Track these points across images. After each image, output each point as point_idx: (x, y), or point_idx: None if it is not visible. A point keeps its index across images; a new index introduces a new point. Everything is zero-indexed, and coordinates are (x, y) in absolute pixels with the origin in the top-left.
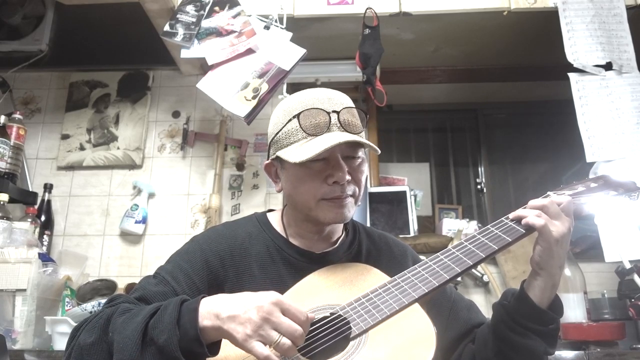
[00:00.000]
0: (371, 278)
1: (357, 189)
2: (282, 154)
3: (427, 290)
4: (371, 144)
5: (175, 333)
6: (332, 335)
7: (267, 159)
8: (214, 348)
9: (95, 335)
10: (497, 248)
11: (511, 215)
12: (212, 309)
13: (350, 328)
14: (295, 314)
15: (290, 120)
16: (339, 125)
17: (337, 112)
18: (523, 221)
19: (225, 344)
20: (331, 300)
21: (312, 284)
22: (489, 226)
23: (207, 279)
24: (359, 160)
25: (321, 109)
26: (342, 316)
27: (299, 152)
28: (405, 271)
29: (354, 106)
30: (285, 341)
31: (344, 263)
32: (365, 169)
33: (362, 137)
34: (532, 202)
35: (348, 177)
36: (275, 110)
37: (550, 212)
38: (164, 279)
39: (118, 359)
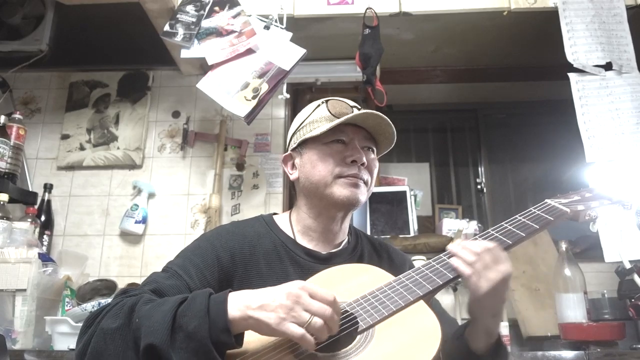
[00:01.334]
0: (376, 277)
1: (370, 178)
2: (308, 134)
3: (431, 288)
4: (389, 121)
5: (205, 321)
6: (339, 329)
7: (287, 151)
8: (239, 339)
9: (120, 321)
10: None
11: (450, 248)
12: (241, 301)
13: (357, 323)
14: (324, 296)
15: (317, 107)
16: (361, 116)
17: (358, 108)
18: (453, 264)
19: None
20: (338, 297)
21: (320, 282)
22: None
23: (217, 274)
24: (373, 155)
25: (344, 102)
26: (348, 311)
27: (324, 128)
28: (409, 271)
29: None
30: (317, 320)
31: (350, 264)
32: (377, 165)
33: (387, 119)
34: (471, 244)
35: (364, 160)
36: (299, 113)
37: (484, 261)
38: (176, 272)
39: (147, 342)
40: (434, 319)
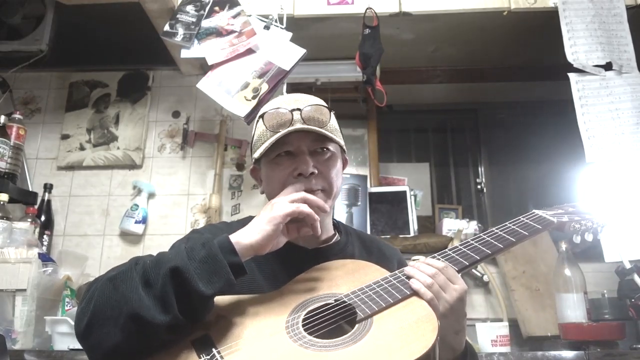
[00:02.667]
0: (372, 272)
1: (327, 184)
2: (255, 155)
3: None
4: (328, 133)
5: (213, 245)
6: (338, 318)
7: (252, 164)
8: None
9: (125, 267)
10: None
11: (406, 270)
12: (239, 233)
13: (355, 313)
14: (293, 194)
15: (257, 123)
16: (302, 121)
17: (300, 110)
18: (411, 284)
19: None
20: (334, 290)
21: (314, 276)
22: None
23: None
24: (328, 154)
25: (282, 109)
26: (346, 302)
27: (262, 149)
28: (404, 267)
29: (320, 104)
30: (297, 195)
31: (343, 259)
32: (337, 163)
33: (325, 131)
34: (425, 266)
35: (313, 170)
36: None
37: (439, 282)
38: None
39: (169, 266)
40: (428, 308)
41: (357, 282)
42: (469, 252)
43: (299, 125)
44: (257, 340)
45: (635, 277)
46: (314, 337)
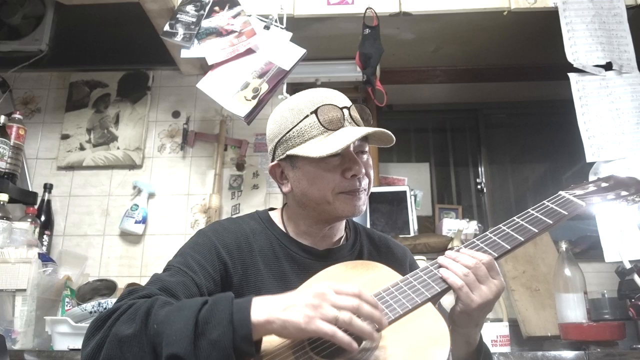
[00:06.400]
0: (382, 276)
1: (368, 182)
2: (297, 151)
3: (439, 290)
4: (390, 133)
5: (229, 329)
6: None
7: (272, 161)
8: (258, 347)
9: (136, 327)
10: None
11: (440, 260)
12: (266, 305)
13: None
14: (348, 290)
15: (305, 117)
16: (350, 120)
17: (348, 108)
18: (443, 275)
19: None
20: None
21: (324, 278)
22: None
23: (219, 269)
24: (366, 155)
25: (334, 105)
26: None
27: (319, 147)
28: (417, 270)
29: (358, 103)
30: (345, 314)
31: (353, 261)
32: (372, 164)
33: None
34: (463, 256)
35: (364, 171)
36: (279, 112)
37: (478, 274)
38: (180, 269)
39: (170, 352)
40: (442, 323)
41: (368, 287)
42: (526, 225)
43: (350, 127)
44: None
45: (635, 277)
46: (320, 356)
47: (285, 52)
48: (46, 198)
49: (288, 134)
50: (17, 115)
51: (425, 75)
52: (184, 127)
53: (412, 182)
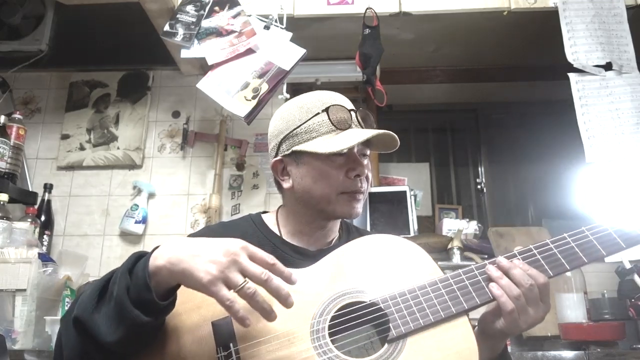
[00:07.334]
0: (417, 267)
1: (367, 185)
2: (305, 147)
3: (480, 303)
4: (396, 136)
5: (125, 278)
6: (366, 326)
7: (276, 156)
8: (170, 303)
9: (71, 307)
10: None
11: (490, 272)
12: (170, 250)
13: (387, 322)
14: (263, 258)
15: (315, 115)
16: (357, 122)
17: (355, 111)
18: (493, 292)
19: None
20: (359, 286)
21: (334, 264)
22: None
23: None
24: (367, 158)
25: (343, 106)
26: (381, 309)
27: (329, 144)
28: (459, 271)
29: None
30: (251, 285)
31: (387, 235)
32: (371, 168)
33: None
34: (518, 271)
35: (366, 172)
36: (285, 109)
37: (529, 296)
38: None
39: (74, 315)
40: (472, 340)
41: (402, 280)
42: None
43: (357, 129)
44: (277, 349)
45: (635, 277)
46: (341, 353)
47: (285, 52)
48: (46, 198)
49: (296, 130)
50: (17, 115)
51: (425, 75)
52: (184, 127)
53: (412, 182)
